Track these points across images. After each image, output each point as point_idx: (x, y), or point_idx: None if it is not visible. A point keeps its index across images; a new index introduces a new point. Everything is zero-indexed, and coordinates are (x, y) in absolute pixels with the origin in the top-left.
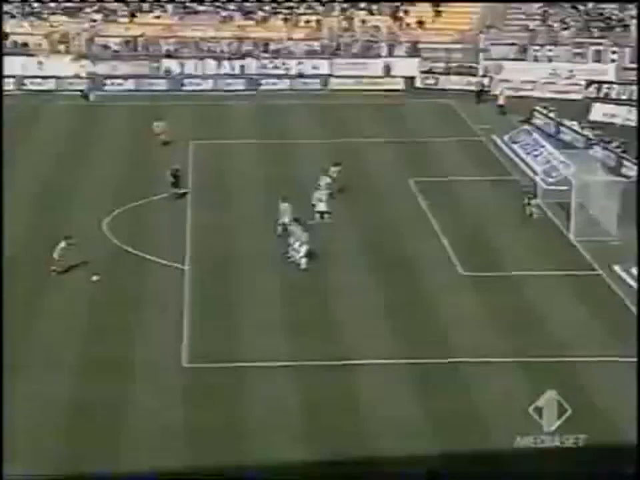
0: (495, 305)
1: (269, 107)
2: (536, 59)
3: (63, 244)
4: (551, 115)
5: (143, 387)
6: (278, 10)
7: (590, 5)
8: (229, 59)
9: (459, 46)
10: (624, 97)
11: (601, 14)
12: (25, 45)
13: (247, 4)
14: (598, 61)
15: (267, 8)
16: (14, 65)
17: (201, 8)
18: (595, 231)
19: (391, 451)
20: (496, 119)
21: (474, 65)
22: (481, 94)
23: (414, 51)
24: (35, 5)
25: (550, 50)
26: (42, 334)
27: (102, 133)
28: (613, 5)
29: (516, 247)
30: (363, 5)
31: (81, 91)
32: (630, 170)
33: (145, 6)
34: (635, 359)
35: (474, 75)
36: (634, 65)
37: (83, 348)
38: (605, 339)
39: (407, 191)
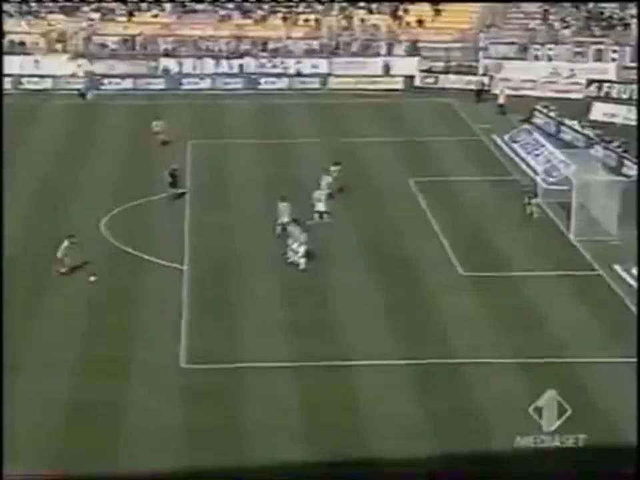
0: (495, 305)
1: (268, 106)
2: (536, 58)
3: (66, 243)
4: (552, 114)
5: (142, 388)
6: (277, 9)
7: (590, 4)
8: (228, 57)
9: (458, 45)
10: (625, 96)
11: (602, 13)
12: (22, 43)
13: (246, 3)
14: (598, 60)
15: (265, 7)
16: (11, 64)
17: (199, 7)
18: (596, 230)
19: (390, 451)
20: (496, 119)
21: (474, 64)
22: (481, 93)
23: (413, 49)
24: (33, 3)
25: (550, 49)
26: (40, 334)
27: (99, 133)
28: (613, 4)
29: (516, 247)
30: (362, 3)
31: (78, 90)
32: (630, 169)
33: (143, 5)
34: (635, 359)
35: (474, 74)
36: (634, 64)
37: (82, 348)
38: (605, 339)
39: (406, 190)
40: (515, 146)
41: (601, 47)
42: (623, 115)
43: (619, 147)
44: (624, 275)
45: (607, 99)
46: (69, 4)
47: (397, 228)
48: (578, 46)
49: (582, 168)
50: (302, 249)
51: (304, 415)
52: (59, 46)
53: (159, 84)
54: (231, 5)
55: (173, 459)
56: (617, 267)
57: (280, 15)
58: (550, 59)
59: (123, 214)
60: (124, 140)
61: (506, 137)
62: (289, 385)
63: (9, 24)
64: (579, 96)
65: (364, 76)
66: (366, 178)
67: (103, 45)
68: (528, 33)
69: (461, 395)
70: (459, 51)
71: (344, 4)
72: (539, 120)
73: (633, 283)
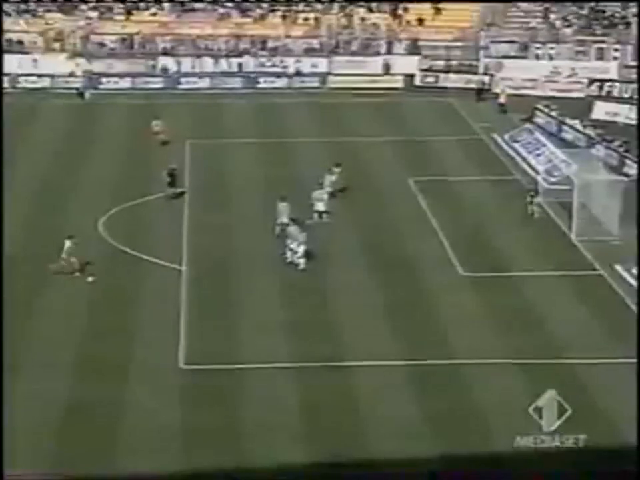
0: (495, 305)
1: (267, 105)
2: (537, 57)
3: (68, 244)
4: (553, 113)
5: (141, 388)
6: (276, 7)
7: (592, 2)
8: (226, 56)
9: (459, 44)
10: (626, 95)
11: (603, 11)
12: (20, 42)
13: (245, 1)
14: (600, 58)
15: (264, 5)
16: (8, 62)
17: (198, 5)
18: (597, 230)
19: (390, 452)
20: (496, 118)
21: (474, 62)
22: (482, 92)
23: (414, 48)
24: (31, 2)
25: (551, 48)
26: (38, 334)
27: (98, 132)
28: (615, 3)
29: (516, 247)
30: (362, 2)
31: (76, 89)
32: (632, 169)
33: (142, 3)
34: (635, 360)
35: (474, 73)
36: (636, 63)
37: (80, 348)
38: (606, 339)
39: (406, 190)
40: (516, 145)
41: (603, 45)
42: (625, 114)
43: (620, 146)
44: (625, 275)
45: (609, 98)
46: (67, 3)
47: (396, 228)
48: (579, 45)
49: (583, 167)
50: (301, 249)
51: (303, 416)
52: (56, 45)
53: (157, 83)
54: (229, 4)
55: (172, 460)
56: (618, 267)
57: (279, 13)
58: (551, 57)
59: (121, 214)
60: (122, 139)
61: (507, 137)
62: (288, 385)
63: (6, 23)
64: (581, 95)
65: (364, 75)
66: (366, 177)
67: (101, 44)
68: (529, 31)
69: (461, 395)
70: (460, 49)
71: (343, 2)
72: (540, 119)
73: (634, 282)
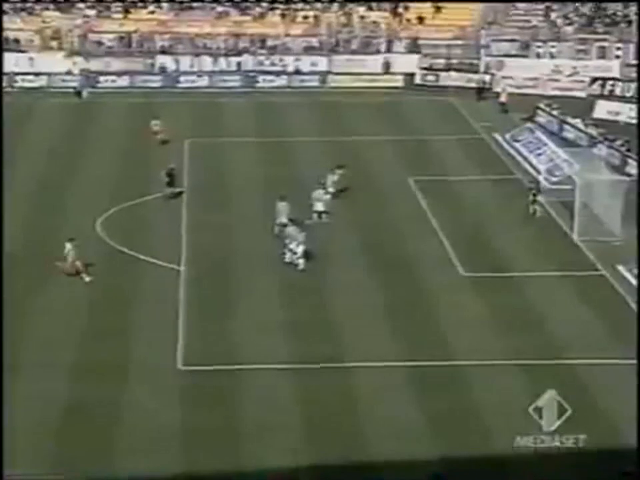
0: (496, 306)
1: (266, 104)
2: (538, 56)
3: (69, 246)
4: (554, 112)
5: (140, 389)
6: (275, 5)
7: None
8: (225, 55)
9: (459, 42)
10: (628, 94)
11: (604, 9)
12: (17, 41)
13: (244, 0)
14: (602, 57)
15: (263, 3)
16: (5, 61)
17: (197, 3)
18: (599, 230)
19: (390, 453)
20: (497, 117)
21: (475, 61)
22: (482, 91)
23: (414, 47)
24: (28, 0)
25: (553, 46)
26: (37, 334)
27: (95, 131)
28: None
29: (518, 247)
30: (362, 0)
31: (74, 88)
32: (634, 168)
33: (140, 2)
34: (635, 360)
35: (475, 72)
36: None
37: (79, 349)
38: (608, 340)
39: (406, 189)
40: (517, 145)
41: (604, 44)
42: (627, 113)
43: (622, 145)
44: (627, 275)
45: (611, 96)
46: (64, 1)
47: (396, 228)
48: (581, 43)
49: (585, 167)
50: (300, 249)
51: (303, 416)
52: (54, 43)
53: (155, 82)
54: (228, 2)
55: (171, 460)
56: (620, 267)
57: (278, 11)
58: (552, 56)
59: (119, 214)
60: (120, 139)
61: (508, 136)
62: (287, 385)
63: (3, 21)
64: (582, 94)
65: (364, 74)
66: (365, 177)
67: (99, 42)
68: (530, 30)
69: (461, 395)
70: (460, 48)
71: (343, 1)
72: (541, 118)
73: (636, 283)
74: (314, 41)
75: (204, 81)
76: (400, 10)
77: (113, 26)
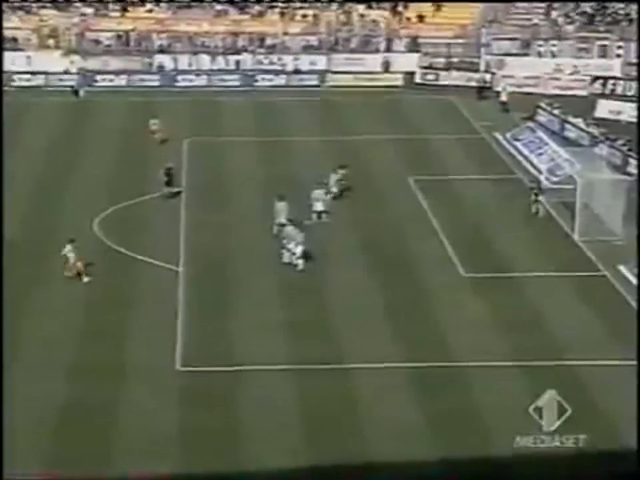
0: (496, 307)
1: (265, 103)
2: (539, 54)
3: (69, 247)
4: (555, 111)
5: (138, 389)
6: (274, 4)
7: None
8: (224, 54)
9: (460, 41)
10: (630, 93)
11: (606, 8)
12: (14, 39)
13: None
14: (603, 56)
15: (262, 2)
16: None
17: (195, 2)
18: (600, 230)
19: (390, 454)
20: (498, 116)
21: (475, 60)
22: (483, 90)
23: (414, 45)
24: None
25: (554, 45)
26: (35, 335)
27: (93, 131)
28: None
29: (518, 247)
30: None
31: (71, 87)
32: (635, 168)
33: (137, 0)
34: (636, 361)
35: (475, 71)
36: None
37: (76, 349)
38: (609, 340)
39: (406, 189)
40: (518, 144)
41: (606, 42)
42: (628, 112)
43: (623, 145)
44: (628, 275)
45: (612, 96)
46: None
47: (396, 227)
48: (582, 42)
49: (586, 167)
50: (299, 249)
51: (302, 418)
52: (51, 42)
53: (153, 81)
54: (227, 0)
55: (170, 462)
56: (622, 268)
57: (277, 10)
58: (553, 55)
59: (117, 213)
60: (118, 138)
61: (508, 135)
62: (286, 387)
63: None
64: (584, 93)
65: (363, 72)
66: (365, 176)
67: (96, 41)
68: (531, 28)
69: (461, 395)
70: (460, 47)
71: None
72: (542, 117)
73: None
74: (313, 40)
75: (202, 80)
76: (400, 8)
77: (110, 24)
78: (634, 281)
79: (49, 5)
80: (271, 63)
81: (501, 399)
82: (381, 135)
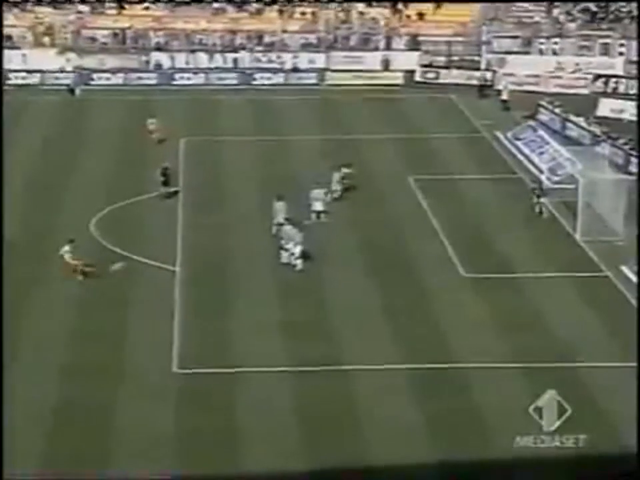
0: (497, 307)
1: (263, 102)
2: (541, 52)
3: (67, 247)
4: (557, 110)
5: (134, 391)
6: (272, 1)
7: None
8: (222, 52)
9: (460, 39)
10: (632, 92)
11: (607, 5)
12: (9, 37)
13: None
14: (605, 54)
15: None
16: None
17: None
18: (602, 230)
19: (390, 455)
20: (499, 115)
21: (476, 58)
22: (484, 88)
23: (414, 44)
24: None
25: (555, 43)
26: (30, 335)
27: (89, 130)
28: None
29: (519, 247)
30: None
31: (67, 85)
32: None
33: None
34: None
35: (476, 69)
36: None
37: (72, 350)
38: (610, 341)
39: (406, 188)
40: (519, 143)
41: (608, 40)
42: (630, 111)
43: (625, 144)
44: (630, 275)
45: (614, 94)
46: None
47: (396, 227)
48: (584, 40)
49: (588, 166)
50: (298, 249)
51: (301, 419)
52: (46, 39)
53: (150, 79)
54: None
55: (167, 464)
56: (624, 268)
57: (276, 7)
58: (555, 53)
59: (113, 213)
60: (115, 137)
61: (509, 134)
62: (285, 388)
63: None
64: (585, 91)
65: (362, 71)
66: (365, 176)
67: (93, 39)
68: (532, 26)
69: (462, 396)
70: (461, 45)
71: None
72: (543, 116)
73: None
74: (312, 38)
75: (200, 79)
76: (399, 6)
77: (106, 22)
78: (635, 281)
79: (44, 2)
80: (270, 61)
81: (501, 399)
82: (380, 134)
